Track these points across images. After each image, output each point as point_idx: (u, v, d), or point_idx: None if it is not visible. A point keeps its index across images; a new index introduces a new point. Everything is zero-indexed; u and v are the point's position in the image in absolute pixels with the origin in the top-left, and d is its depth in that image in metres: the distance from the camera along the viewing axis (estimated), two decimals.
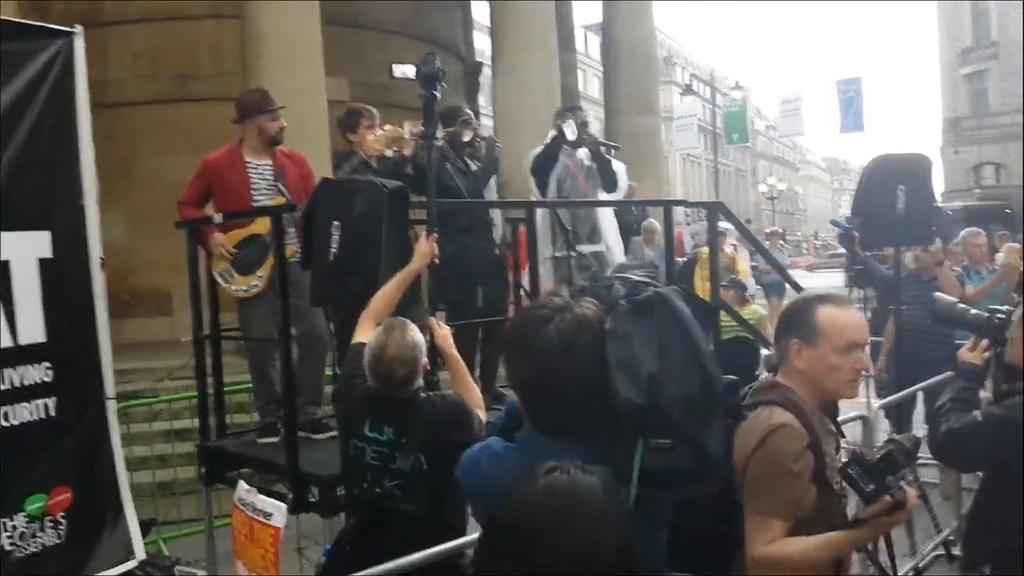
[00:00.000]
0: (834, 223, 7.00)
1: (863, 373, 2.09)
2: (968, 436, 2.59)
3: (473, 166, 4.75)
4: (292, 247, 4.02)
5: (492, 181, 4.82)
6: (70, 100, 4.06)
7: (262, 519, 1.90)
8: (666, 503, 1.69)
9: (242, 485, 2.15)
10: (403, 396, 2.76)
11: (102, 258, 4.20)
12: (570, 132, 4.88)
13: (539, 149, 5.07)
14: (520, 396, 1.65)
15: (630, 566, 1.21)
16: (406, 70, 3.43)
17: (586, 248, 5.05)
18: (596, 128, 16.79)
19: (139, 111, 10.13)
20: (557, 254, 4.98)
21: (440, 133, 4.03)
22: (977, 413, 2.68)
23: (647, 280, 1.71)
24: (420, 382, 2.82)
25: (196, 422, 4.72)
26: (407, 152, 4.12)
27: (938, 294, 3.32)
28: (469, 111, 5.06)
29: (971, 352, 2.85)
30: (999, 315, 2.80)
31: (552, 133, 5.02)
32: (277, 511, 1.92)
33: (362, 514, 2.83)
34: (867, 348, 2.16)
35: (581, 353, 1.54)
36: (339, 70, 10.02)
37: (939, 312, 3.07)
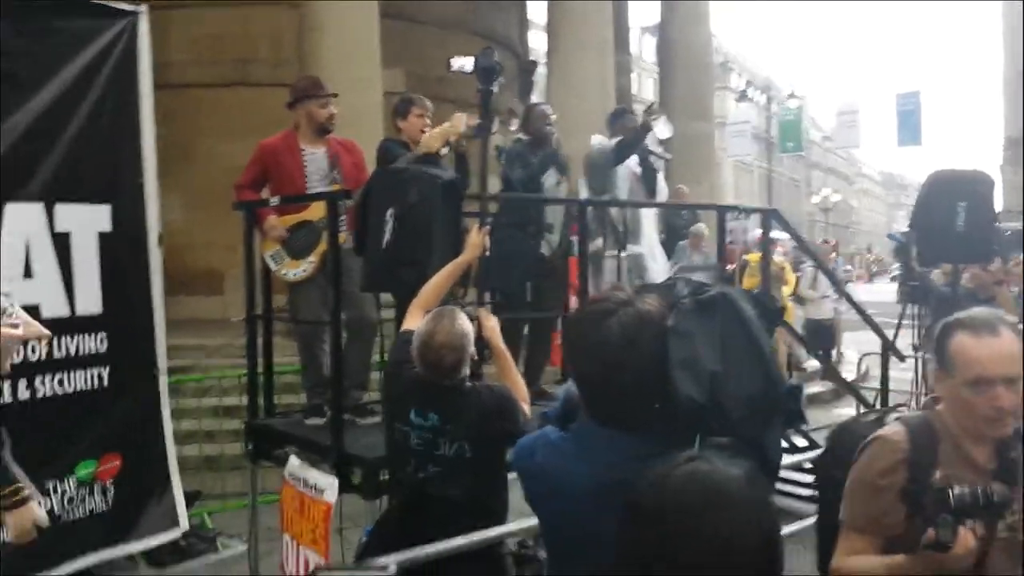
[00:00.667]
0: (891, 237, 6.87)
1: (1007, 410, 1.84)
2: None
3: (533, 156, 4.72)
4: (344, 234, 4.08)
5: (558, 182, 4.80)
6: (133, 79, 4.15)
7: (313, 494, 1.94)
8: None
9: (294, 460, 2.20)
10: (450, 384, 2.79)
11: (160, 235, 4.31)
12: (667, 129, 4.87)
13: (602, 140, 5.07)
14: (579, 387, 1.67)
15: (773, 558, 1.19)
16: (464, 63, 3.46)
17: (633, 250, 5.05)
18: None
19: (199, 93, 10.35)
20: (607, 253, 4.99)
21: (514, 126, 4.03)
22: None
23: (707, 281, 1.72)
24: (467, 371, 2.85)
25: (244, 400, 4.82)
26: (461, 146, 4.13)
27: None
28: (546, 107, 5.06)
29: None
30: None
31: (598, 139, 5.03)
32: (330, 487, 1.97)
33: (404, 498, 2.87)
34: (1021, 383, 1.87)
35: (642, 348, 1.56)
36: (395, 63, 10.12)
37: None
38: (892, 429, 1.93)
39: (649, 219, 5.27)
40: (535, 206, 4.56)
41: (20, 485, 2.43)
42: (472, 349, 2.84)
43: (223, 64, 10.60)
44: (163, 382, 4.34)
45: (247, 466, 4.51)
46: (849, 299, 6.77)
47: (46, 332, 2.59)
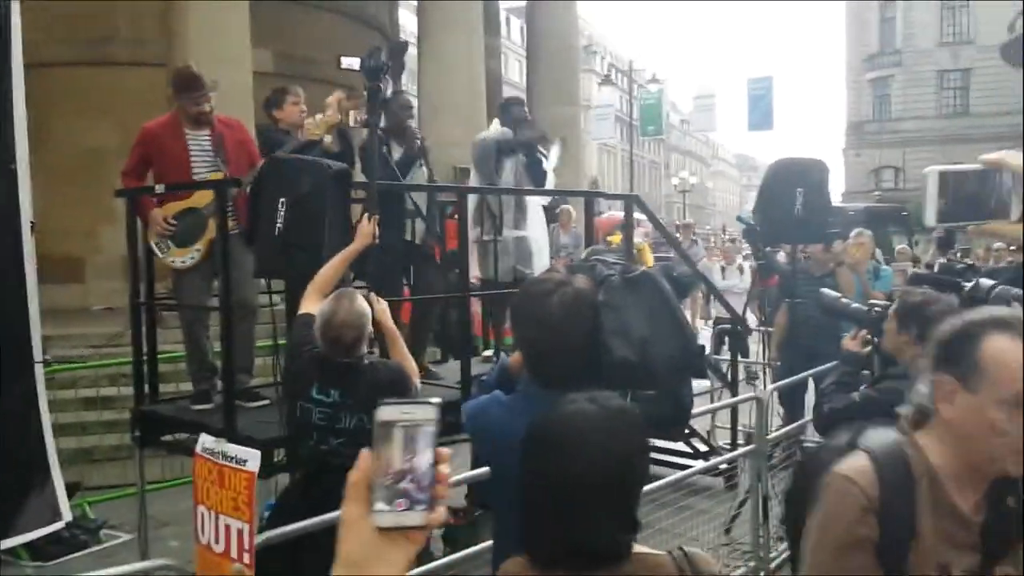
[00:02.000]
0: (739, 219, 7.43)
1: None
2: (846, 414, 2.85)
3: (396, 153, 4.84)
4: (231, 220, 4.14)
5: (423, 171, 4.97)
6: (6, 65, 4.06)
7: (235, 464, 2.09)
8: None
9: (207, 436, 2.33)
10: (349, 361, 3.00)
11: (32, 222, 4.23)
12: (555, 158, 5.21)
13: (490, 135, 5.30)
14: (526, 354, 1.96)
15: (630, 476, 1.49)
16: (352, 62, 3.62)
17: (511, 234, 5.32)
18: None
19: (54, 73, 9.85)
20: (485, 238, 5.24)
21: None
22: (855, 394, 3.05)
23: (620, 262, 2.17)
24: (365, 348, 3.06)
25: (120, 390, 4.78)
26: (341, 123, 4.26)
27: (824, 289, 3.71)
28: (408, 97, 5.22)
29: (852, 341, 3.25)
30: (877, 308, 3.19)
31: (496, 127, 5.26)
32: (252, 457, 2.12)
33: (307, 470, 3.05)
34: None
35: (580, 319, 1.87)
36: (263, 42, 9.97)
37: (825, 305, 3.46)
38: (855, 465, 1.49)
39: (535, 206, 5.52)
40: (396, 198, 4.69)
41: None
42: (370, 328, 3.05)
43: (79, 43, 10.12)
44: (40, 372, 4.27)
45: (127, 456, 4.50)
46: (703, 278, 7.33)
47: None
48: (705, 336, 7.52)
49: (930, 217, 1.10)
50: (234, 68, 8.31)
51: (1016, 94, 32.69)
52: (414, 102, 6.24)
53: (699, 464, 5.11)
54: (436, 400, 0.83)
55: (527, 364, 1.95)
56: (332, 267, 3.33)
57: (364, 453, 0.85)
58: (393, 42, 15.17)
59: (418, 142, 4.84)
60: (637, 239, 8.94)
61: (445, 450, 0.84)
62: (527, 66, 16.40)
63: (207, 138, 4.57)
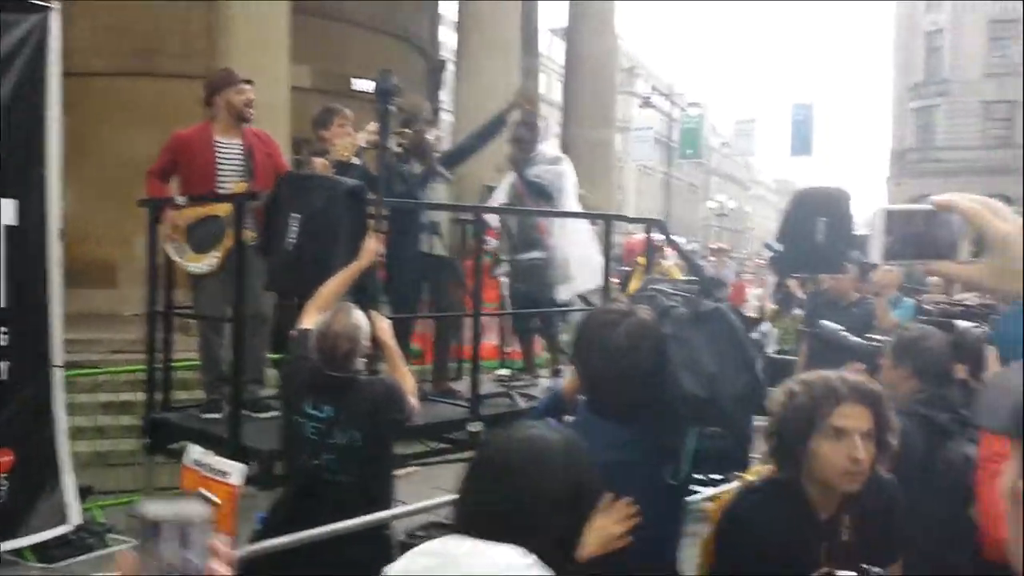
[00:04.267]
0: (767, 246, 7.30)
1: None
2: None
3: (416, 168, 4.80)
4: (250, 231, 4.18)
5: (441, 186, 4.97)
6: (43, 74, 4.17)
7: (219, 477, 2.10)
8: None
9: (195, 448, 2.35)
10: (344, 376, 2.98)
11: (61, 228, 4.32)
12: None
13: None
14: (587, 384, 1.95)
15: (578, 505, 1.47)
16: (365, 85, 3.67)
17: (524, 256, 5.26)
18: (555, 133, 17.01)
19: (98, 82, 10.09)
20: (503, 258, 5.23)
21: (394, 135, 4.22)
22: None
23: (680, 292, 2.15)
24: (360, 363, 3.05)
25: (137, 395, 4.83)
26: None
27: (823, 321, 3.64)
28: (429, 111, 5.21)
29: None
30: (875, 342, 3.12)
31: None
32: (235, 471, 2.13)
33: (298, 485, 3.05)
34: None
35: (644, 351, 1.87)
36: (303, 59, 10.12)
37: (824, 337, 3.40)
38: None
39: (566, 227, 5.37)
40: (412, 214, 4.69)
41: None
42: (366, 343, 3.04)
43: (127, 54, 10.36)
44: (59, 376, 4.34)
45: (140, 462, 4.53)
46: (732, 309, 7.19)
47: None
48: None
49: (875, 255, 1.09)
50: (274, 84, 8.47)
51: None
52: (449, 118, 6.26)
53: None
54: (210, 500, 0.79)
55: (587, 394, 1.96)
56: (335, 284, 3.32)
57: (125, 553, 0.81)
58: (433, 60, 15.41)
59: (437, 156, 4.85)
60: (665, 262, 8.88)
61: (223, 548, 0.80)
62: (564, 87, 16.45)
63: (238, 147, 4.62)
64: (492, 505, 1.42)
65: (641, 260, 8.52)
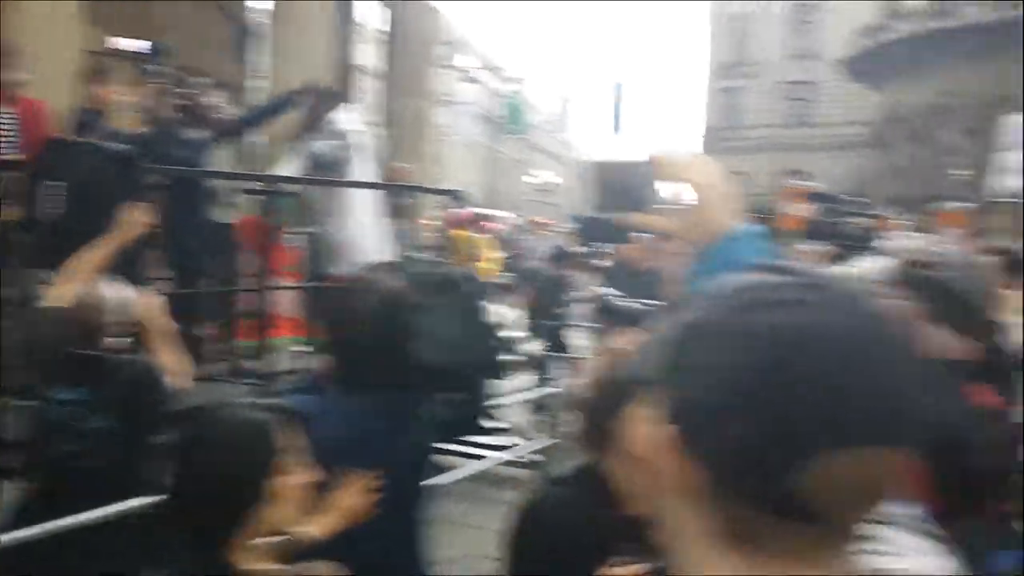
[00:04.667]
0: (574, 219, 7.61)
1: None
2: None
3: (193, 134, 4.59)
4: (9, 208, 3.84)
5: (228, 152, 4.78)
6: None
7: None
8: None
9: None
10: (96, 355, 2.75)
11: None
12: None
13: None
14: (337, 357, 1.90)
15: (260, 475, 1.50)
16: (124, 44, 3.46)
17: (306, 229, 5.15)
18: (373, 102, 16.72)
19: None
20: (296, 230, 5.09)
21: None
22: None
23: (433, 261, 2.15)
24: (111, 341, 2.82)
25: None
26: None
27: (600, 288, 3.83)
28: (200, 80, 4.95)
29: None
30: (650, 306, 3.32)
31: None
32: None
33: (49, 475, 2.81)
34: None
35: (394, 320, 1.83)
36: (101, 21, 9.42)
37: (606, 306, 3.59)
38: None
39: (355, 197, 5.28)
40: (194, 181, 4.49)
41: None
42: (124, 319, 2.83)
43: None
44: None
45: None
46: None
47: None
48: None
49: (588, 208, 1.16)
50: (66, 47, 7.81)
51: (856, 106, 35.65)
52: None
53: (497, 455, 5.03)
54: None
55: (335, 364, 1.89)
56: (91, 256, 3.00)
57: None
58: (241, 25, 14.70)
59: (218, 119, 4.64)
60: (475, 235, 9.01)
61: None
62: (387, 59, 16.20)
63: (10, 118, 4.25)
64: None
65: (454, 234, 8.61)
